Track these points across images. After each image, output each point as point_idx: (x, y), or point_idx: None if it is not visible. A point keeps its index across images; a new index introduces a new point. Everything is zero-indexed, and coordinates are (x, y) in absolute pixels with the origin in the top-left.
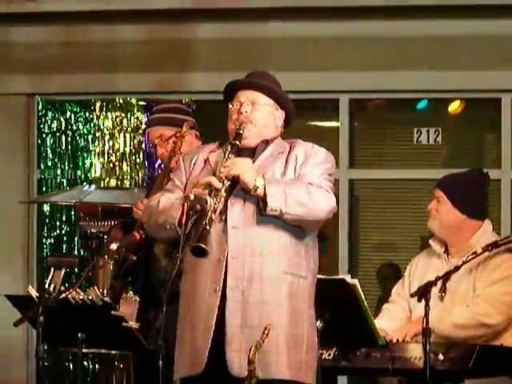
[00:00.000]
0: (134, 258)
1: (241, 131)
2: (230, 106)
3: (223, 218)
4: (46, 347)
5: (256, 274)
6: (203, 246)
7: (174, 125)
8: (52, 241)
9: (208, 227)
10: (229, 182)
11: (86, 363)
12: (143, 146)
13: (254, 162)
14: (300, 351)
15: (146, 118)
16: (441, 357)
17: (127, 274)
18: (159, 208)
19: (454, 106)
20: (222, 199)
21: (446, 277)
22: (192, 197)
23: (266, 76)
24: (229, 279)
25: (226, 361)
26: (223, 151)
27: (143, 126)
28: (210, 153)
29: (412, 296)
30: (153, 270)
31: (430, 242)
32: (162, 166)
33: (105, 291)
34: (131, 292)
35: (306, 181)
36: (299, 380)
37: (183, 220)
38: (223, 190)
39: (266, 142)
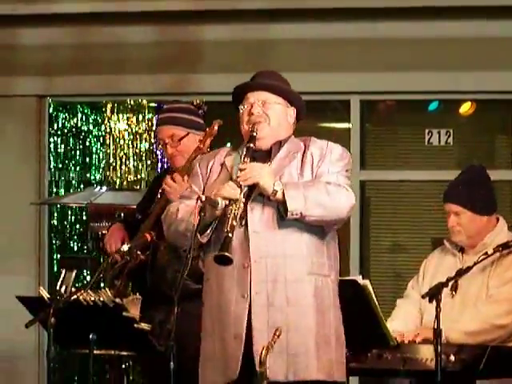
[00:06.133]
0: (142, 257)
1: (254, 133)
2: (241, 109)
3: (243, 223)
4: (57, 348)
5: (280, 276)
6: (228, 254)
7: (185, 125)
8: (63, 242)
9: (230, 234)
10: (247, 188)
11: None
12: (154, 147)
13: (270, 163)
14: (329, 350)
15: (157, 116)
16: (452, 358)
17: (132, 273)
18: (178, 216)
19: (466, 108)
20: (242, 205)
21: (458, 277)
22: (203, 198)
23: (274, 75)
24: (253, 284)
25: (254, 365)
26: (239, 154)
27: (154, 128)
28: (225, 156)
29: (423, 297)
30: (159, 269)
31: (445, 241)
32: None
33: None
34: (132, 292)
35: (324, 180)
36: (331, 379)
37: (195, 221)
38: (242, 196)
39: (280, 143)
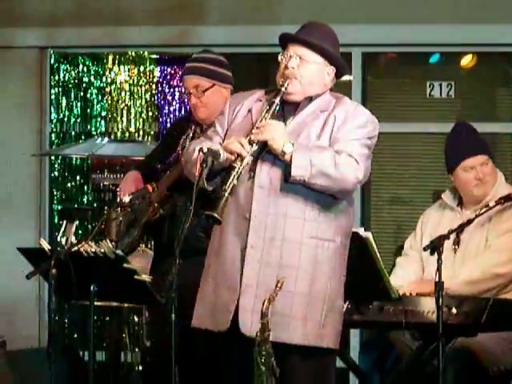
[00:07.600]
0: (162, 211)
1: (283, 88)
2: (280, 58)
3: (252, 175)
4: (58, 300)
5: (278, 235)
6: (216, 215)
7: (211, 77)
8: (64, 193)
9: (227, 194)
10: (257, 145)
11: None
12: (155, 98)
13: (291, 120)
14: (318, 315)
15: (181, 67)
16: (454, 311)
17: (150, 226)
18: (193, 156)
19: (467, 60)
20: (250, 162)
21: (459, 230)
22: (205, 149)
23: (320, 30)
24: (250, 238)
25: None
26: (267, 103)
27: (155, 80)
28: (256, 101)
29: (425, 249)
30: (176, 223)
31: (443, 195)
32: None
33: (115, 241)
34: (147, 246)
35: (339, 147)
36: (315, 345)
37: (196, 173)
38: (249, 155)
39: (310, 99)
